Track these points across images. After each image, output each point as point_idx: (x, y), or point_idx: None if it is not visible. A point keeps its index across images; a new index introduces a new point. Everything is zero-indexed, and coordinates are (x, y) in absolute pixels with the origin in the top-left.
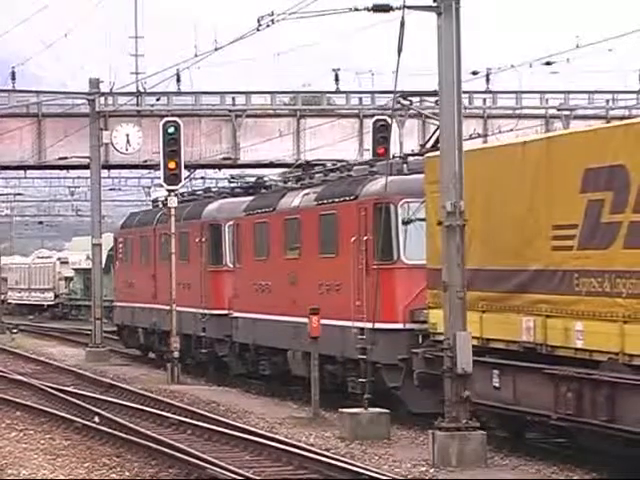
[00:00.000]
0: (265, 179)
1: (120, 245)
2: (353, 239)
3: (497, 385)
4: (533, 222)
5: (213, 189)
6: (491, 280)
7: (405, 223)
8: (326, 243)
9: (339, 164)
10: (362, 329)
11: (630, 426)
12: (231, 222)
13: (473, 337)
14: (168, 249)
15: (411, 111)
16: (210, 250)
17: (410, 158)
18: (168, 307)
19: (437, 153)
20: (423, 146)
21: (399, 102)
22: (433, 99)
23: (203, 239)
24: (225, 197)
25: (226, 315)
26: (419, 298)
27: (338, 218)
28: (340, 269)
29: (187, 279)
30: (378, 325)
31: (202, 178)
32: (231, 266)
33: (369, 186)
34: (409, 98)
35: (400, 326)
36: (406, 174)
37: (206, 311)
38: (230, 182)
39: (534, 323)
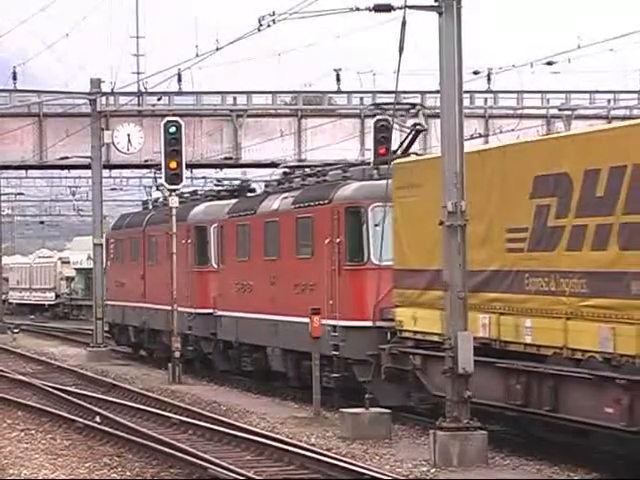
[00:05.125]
0: (249, 182)
1: (111, 246)
2: (327, 241)
3: None
4: (490, 226)
5: (199, 192)
6: None
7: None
8: (302, 245)
9: (317, 169)
10: (335, 326)
11: (570, 415)
12: (216, 224)
13: (435, 333)
14: (157, 250)
15: (412, 111)
16: (196, 251)
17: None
18: (157, 306)
19: (405, 159)
20: (394, 152)
21: (375, 112)
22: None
23: (189, 240)
24: (211, 200)
25: (211, 314)
26: (388, 297)
27: (313, 221)
28: (315, 270)
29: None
30: (349, 323)
31: (204, 178)
32: (216, 266)
33: (342, 191)
34: (382, 107)
35: (369, 324)
36: (377, 179)
37: (192, 310)
38: (216, 185)
39: (489, 320)
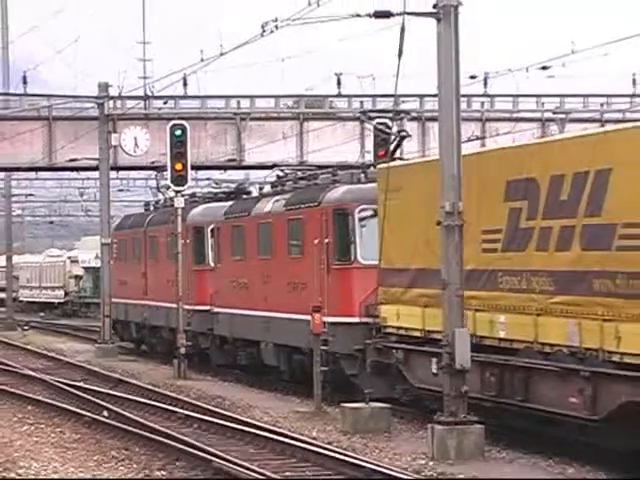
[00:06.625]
0: (245, 185)
1: (115, 246)
2: (316, 241)
3: (435, 371)
4: (467, 227)
5: (198, 194)
6: (432, 279)
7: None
8: (293, 245)
9: (308, 172)
10: (324, 322)
11: (539, 405)
12: (213, 225)
13: (416, 329)
14: (158, 249)
15: (412, 114)
16: (194, 251)
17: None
18: (157, 303)
19: (390, 164)
20: (379, 157)
21: (362, 119)
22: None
23: (188, 240)
24: (209, 202)
25: (208, 310)
26: (373, 294)
27: (304, 222)
28: (305, 269)
29: (173, 277)
30: (337, 319)
31: (208, 179)
32: (213, 265)
33: (330, 194)
34: (369, 114)
35: (356, 320)
36: (364, 183)
37: (190, 307)
38: (214, 187)
39: (466, 316)
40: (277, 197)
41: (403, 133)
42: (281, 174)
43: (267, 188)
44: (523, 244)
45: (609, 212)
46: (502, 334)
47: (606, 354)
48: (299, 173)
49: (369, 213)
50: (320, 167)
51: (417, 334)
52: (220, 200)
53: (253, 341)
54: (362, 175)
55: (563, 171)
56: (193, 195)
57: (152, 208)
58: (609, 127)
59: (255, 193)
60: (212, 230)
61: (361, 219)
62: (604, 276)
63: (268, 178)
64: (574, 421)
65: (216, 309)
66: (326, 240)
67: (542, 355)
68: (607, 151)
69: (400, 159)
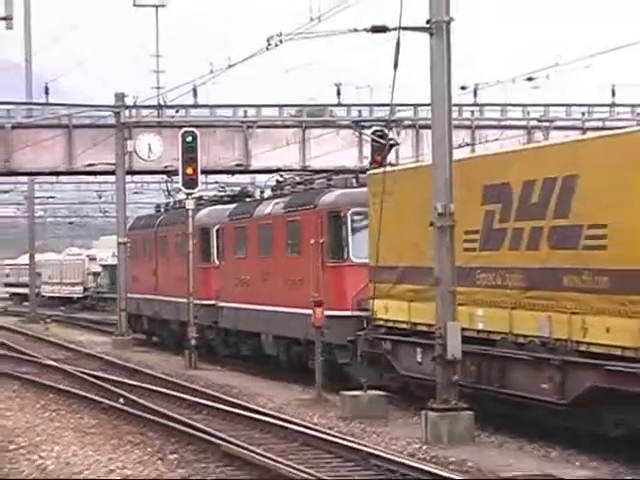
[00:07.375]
0: (249, 189)
1: (128, 245)
2: (312, 241)
3: (420, 360)
4: None
5: (205, 197)
6: (418, 276)
7: None
8: (291, 245)
9: (305, 177)
10: None
11: (514, 390)
12: (218, 226)
13: (403, 321)
14: (167, 248)
15: (404, 123)
16: (200, 249)
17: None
18: (167, 298)
19: (378, 170)
20: (370, 163)
21: (354, 128)
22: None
23: (195, 240)
24: (214, 204)
25: (214, 305)
26: (364, 290)
27: (301, 224)
28: (302, 266)
29: (182, 274)
30: (331, 312)
31: (216, 182)
32: (217, 263)
33: (325, 197)
34: (361, 124)
35: (349, 313)
36: (356, 187)
37: (197, 301)
38: (219, 191)
39: None
40: (277, 200)
41: (392, 142)
42: (281, 179)
43: (268, 192)
44: (497, 244)
45: (576, 215)
46: (480, 326)
47: (574, 344)
48: (297, 178)
49: (360, 215)
50: (319, 172)
51: (404, 326)
52: (225, 203)
53: (255, 333)
54: (354, 180)
55: (534, 176)
56: (200, 198)
57: (162, 210)
58: (576, 137)
59: (257, 196)
60: (217, 230)
61: (353, 220)
62: (572, 273)
63: (269, 183)
64: (546, 405)
65: (221, 304)
66: (321, 240)
67: (516, 345)
68: (575, 159)
69: (390, 165)
